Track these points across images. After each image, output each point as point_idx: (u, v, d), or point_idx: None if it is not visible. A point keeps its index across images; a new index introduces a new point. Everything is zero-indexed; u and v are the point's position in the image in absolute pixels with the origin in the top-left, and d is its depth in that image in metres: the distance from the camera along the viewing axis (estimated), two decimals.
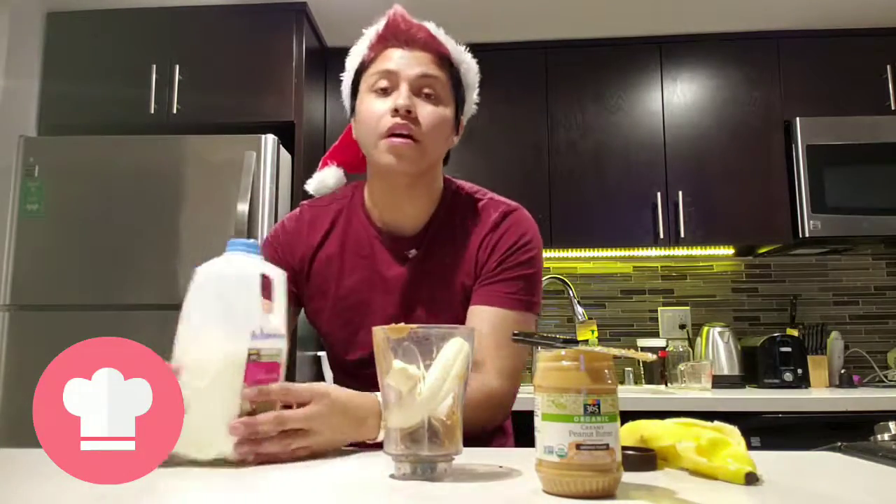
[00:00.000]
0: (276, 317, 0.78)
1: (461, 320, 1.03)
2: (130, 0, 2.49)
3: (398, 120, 0.99)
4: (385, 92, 1.02)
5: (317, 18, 2.60)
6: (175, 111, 2.42)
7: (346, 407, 0.80)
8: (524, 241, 1.06)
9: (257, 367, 0.75)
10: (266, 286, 0.77)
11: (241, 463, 0.73)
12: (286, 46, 2.46)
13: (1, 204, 2.23)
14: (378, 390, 0.71)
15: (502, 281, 1.03)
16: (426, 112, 1.01)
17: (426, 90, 1.02)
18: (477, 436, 0.92)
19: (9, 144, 2.25)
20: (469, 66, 1.10)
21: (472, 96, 1.12)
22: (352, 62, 1.11)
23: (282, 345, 0.78)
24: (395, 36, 1.04)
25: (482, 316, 1.01)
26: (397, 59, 1.02)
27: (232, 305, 0.74)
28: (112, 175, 2.23)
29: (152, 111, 2.42)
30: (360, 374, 1.01)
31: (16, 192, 2.21)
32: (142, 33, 2.51)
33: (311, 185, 1.19)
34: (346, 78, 1.12)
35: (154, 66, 2.44)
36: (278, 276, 0.80)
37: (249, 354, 0.74)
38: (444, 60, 1.05)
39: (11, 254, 2.18)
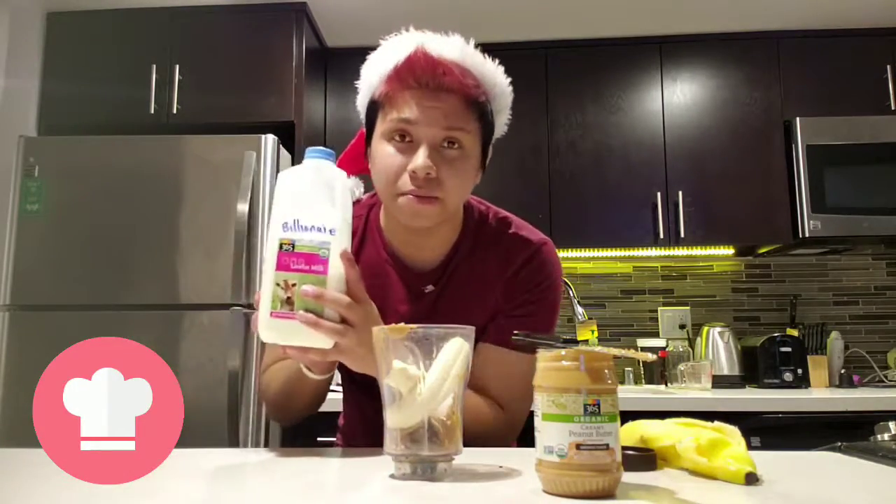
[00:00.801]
0: (326, 214, 0.78)
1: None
2: (130, 0, 2.49)
3: (417, 183, 0.89)
4: (402, 140, 0.91)
5: (317, 18, 2.60)
6: (175, 111, 2.42)
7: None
8: (547, 283, 1.00)
9: (288, 257, 0.76)
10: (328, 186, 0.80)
11: (298, 351, 0.78)
12: (286, 46, 2.46)
13: (1, 204, 2.23)
14: None
15: (519, 319, 0.98)
16: (449, 170, 0.90)
17: (450, 141, 0.91)
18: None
19: (9, 144, 2.25)
20: (501, 90, 0.97)
21: (503, 119, 1.01)
22: (366, 84, 0.97)
23: (326, 238, 0.78)
24: (415, 77, 0.89)
25: (495, 356, 0.97)
26: (418, 108, 0.89)
27: (278, 199, 0.79)
28: (112, 175, 2.23)
29: (152, 111, 2.43)
30: (366, 379, 1.00)
31: (16, 192, 2.21)
32: (142, 33, 2.51)
33: None
34: (362, 96, 0.99)
35: (154, 66, 2.44)
36: (340, 178, 0.81)
37: (281, 244, 0.76)
38: (474, 103, 0.92)
39: (11, 254, 2.18)
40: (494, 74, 0.96)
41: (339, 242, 0.79)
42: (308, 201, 0.78)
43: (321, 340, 0.77)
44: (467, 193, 0.98)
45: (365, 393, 0.95)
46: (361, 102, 1.00)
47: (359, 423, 1.12)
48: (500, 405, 0.97)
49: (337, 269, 0.78)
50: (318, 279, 0.76)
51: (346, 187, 0.82)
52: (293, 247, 0.76)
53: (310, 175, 0.80)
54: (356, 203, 1.09)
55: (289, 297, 0.75)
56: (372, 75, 0.96)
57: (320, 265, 0.76)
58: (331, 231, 0.78)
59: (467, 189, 0.97)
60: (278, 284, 0.75)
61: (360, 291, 0.80)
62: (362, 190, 1.11)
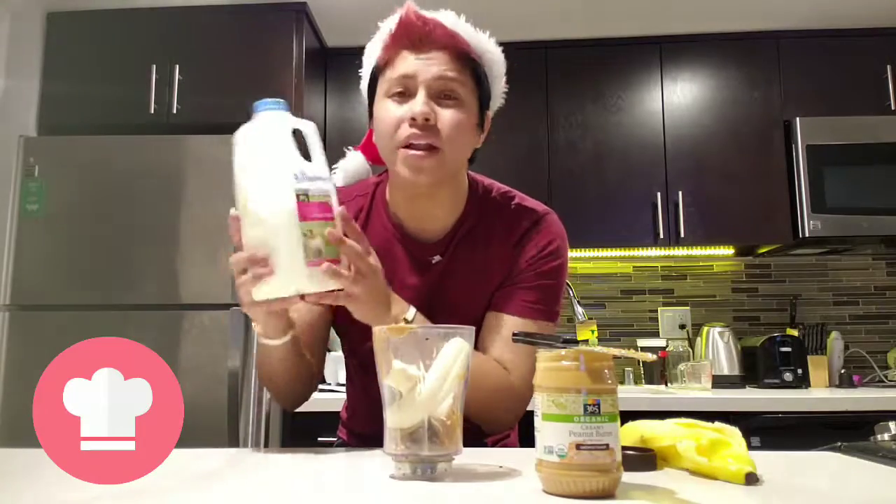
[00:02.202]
0: (316, 162, 0.80)
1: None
2: (130, 0, 2.49)
3: (416, 130, 0.92)
4: (402, 96, 0.95)
5: (317, 18, 2.60)
6: (175, 111, 2.42)
7: (385, 288, 0.87)
8: (551, 250, 1.02)
9: (308, 207, 0.77)
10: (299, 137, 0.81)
11: (318, 296, 0.80)
12: (286, 46, 2.46)
13: (1, 204, 2.23)
14: None
15: (524, 288, 1.00)
16: (446, 118, 0.94)
17: (446, 93, 0.95)
18: (484, 422, 0.92)
19: (9, 144, 2.25)
20: (493, 57, 1.02)
21: (499, 87, 1.05)
22: (367, 61, 1.03)
23: (328, 186, 0.80)
24: (408, 36, 0.95)
25: (501, 323, 0.99)
26: (413, 61, 0.95)
27: (269, 154, 0.78)
28: (112, 175, 2.23)
29: (152, 111, 2.42)
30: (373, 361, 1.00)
31: (16, 192, 2.21)
32: (142, 33, 2.51)
33: (338, 179, 1.13)
34: (364, 78, 1.05)
35: (154, 66, 2.44)
36: (310, 127, 0.83)
37: (298, 196, 0.76)
38: (466, 57, 0.97)
39: (11, 254, 2.18)
40: (486, 42, 1.01)
41: (333, 188, 0.82)
42: (294, 151, 0.79)
43: (331, 284, 0.79)
44: (466, 149, 1.00)
45: (371, 375, 0.96)
46: (364, 85, 1.04)
47: (366, 408, 1.11)
48: (509, 368, 0.97)
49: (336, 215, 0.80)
50: (331, 225, 0.78)
51: (316, 131, 0.84)
52: (308, 197, 0.77)
53: (283, 125, 0.81)
54: (360, 182, 1.12)
55: (317, 246, 0.77)
56: (371, 54, 1.02)
57: (329, 212, 0.79)
58: (326, 178, 0.80)
59: (466, 143, 0.99)
60: (305, 234, 0.76)
61: (364, 242, 0.83)
62: (369, 171, 1.14)
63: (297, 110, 2.43)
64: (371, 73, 1.02)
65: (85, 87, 2.47)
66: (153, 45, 2.48)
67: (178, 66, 2.44)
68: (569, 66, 2.70)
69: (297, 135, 0.81)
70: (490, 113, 1.05)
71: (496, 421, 1.00)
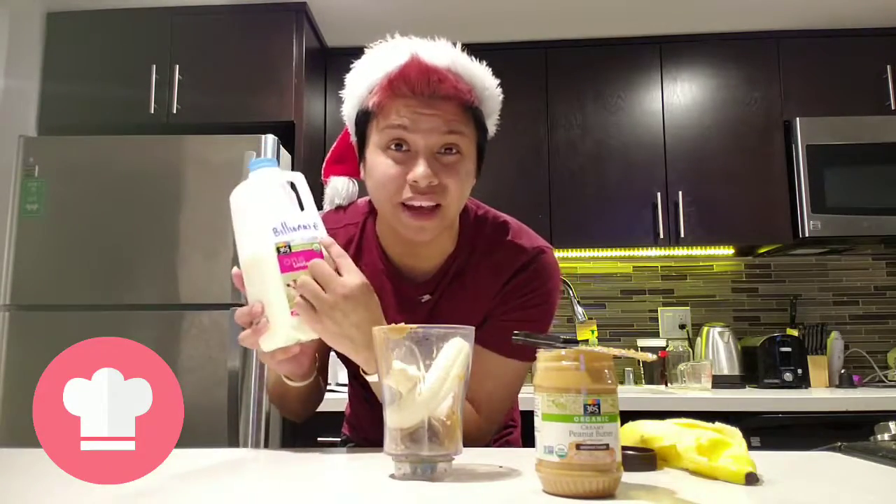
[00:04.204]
0: (306, 211, 0.81)
1: None
2: (130, 0, 2.49)
3: (419, 191, 0.88)
4: (399, 149, 0.90)
5: (317, 18, 2.60)
6: (175, 111, 2.42)
7: (375, 316, 0.83)
8: (540, 293, 0.99)
9: (289, 258, 0.78)
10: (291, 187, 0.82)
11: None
12: (286, 46, 2.46)
13: (1, 204, 2.23)
14: None
15: (506, 326, 0.93)
16: (449, 176, 0.89)
17: (447, 147, 0.90)
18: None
19: (9, 144, 2.25)
20: (492, 93, 0.95)
21: (494, 122, 0.99)
22: (354, 91, 0.96)
23: (315, 233, 0.81)
24: (409, 86, 0.88)
25: (481, 358, 0.93)
26: (414, 116, 0.88)
27: (253, 213, 0.80)
28: (112, 175, 2.22)
29: (152, 111, 2.42)
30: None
31: (16, 192, 2.21)
32: (142, 33, 2.50)
33: (327, 205, 1.10)
34: (349, 105, 0.98)
35: (154, 66, 2.44)
36: (298, 178, 0.83)
37: (278, 249, 0.78)
38: (468, 107, 0.91)
39: (11, 254, 2.18)
40: (484, 77, 0.94)
41: (323, 232, 0.83)
42: (283, 204, 0.80)
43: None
44: (466, 198, 0.97)
45: (370, 389, 0.95)
46: (349, 112, 0.98)
47: (367, 415, 1.12)
48: (476, 406, 0.96)
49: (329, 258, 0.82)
50: None
51: (304, 181, 0.84)
52: (290, 248, 0.78)
53: (271, 181, 0.81)
54: (350, 206, 1.08)
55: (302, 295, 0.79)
56: (359, 85, 0.94)
57: (317, 258, 0.80)
58: (314, 225, 0.81)
59: (466, 194, 0.96)
60: (289, 285, 0.78)
61: (350, 265, 0.83)
62: (356, 189, 1.10)
63: (298, 110, 2.43)
64: (360, 112, 0.94)
65: (85, 87, 2.47)
66: (153, 45, 2.48)
67: (178, 66, 2.44)
68: (569, 66, 2.70)
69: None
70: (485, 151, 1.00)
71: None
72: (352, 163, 1.05)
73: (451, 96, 0.89)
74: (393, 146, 0.90)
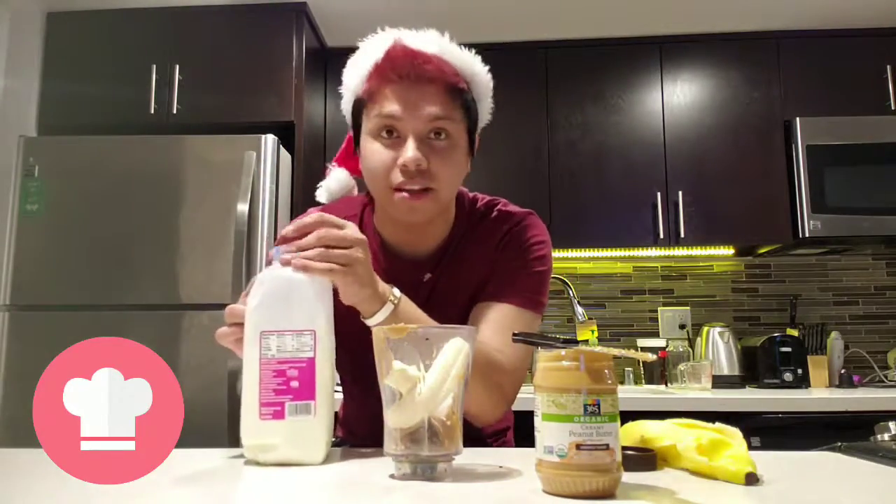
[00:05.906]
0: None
1: None
2: (130, 0, 2.49)
3: (408, 176, 0.90)
4: (389, 135, 0.92)
5: (317, 18, 2.60)
6: (175, 111, 2.42)
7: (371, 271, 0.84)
8: (535, 241, 1.02)
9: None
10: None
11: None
12: (286, 46, 2.46)
13: (1, 204, 2.23)
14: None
15: (509, 277, 1.00)
16: (438, 158, 0.92)
17: (436, 131, 0.92)
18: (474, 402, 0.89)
19: (9, 144, 2.25)
20: (481, 78, 0.98)
21: (486, 106, 1.01)
22: (349, 82, 0.99)
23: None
24: (395, 70, 0.90)
25: (489, 312, 0.97)
26: (401, 101, 0.90)
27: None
28: (112, 175, 2.23)
29: (152, 111, 2.42)
30: (366, 379, 0.99)
31: (16, 192, 2.21)
32: (142, 33, 2.51)
33: (322, 196, 1.13)
34: (346, 100, 1.01)
35: (154, 66, 2.44)
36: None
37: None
38: (455, 89, 0.93)
39: (11, 254, 2.18)
40: (472, 63, 0.97)
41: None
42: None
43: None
44: (459, 182, 1.00)
45: (364, 389, 0.95)
46: (346, 106, 1.02)
47: (362, 416, 1.12)
48: (505, 359, 0.95)
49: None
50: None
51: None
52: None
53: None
54: (348, 198, 1.11)
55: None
56: (353, 77, 0.97)
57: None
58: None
59: (459, 178, 0.98)
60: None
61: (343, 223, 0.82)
62: (353, 183, 1.13)
63: (297, 110, 2.43)
64: (355, 102, 0.98)
65: (85, 87, 2.47)
66: (153, 45, 2.49)
67: (178, 66, 2.44)
68: (569, 66, 2.70)
69: None
70: (478, 137, 1.02)
71: (486, 401, 0.95)
72: (355, 160, 1.07)
73: (436, 78, 0.91)
74: (384, 133, 0.92)
